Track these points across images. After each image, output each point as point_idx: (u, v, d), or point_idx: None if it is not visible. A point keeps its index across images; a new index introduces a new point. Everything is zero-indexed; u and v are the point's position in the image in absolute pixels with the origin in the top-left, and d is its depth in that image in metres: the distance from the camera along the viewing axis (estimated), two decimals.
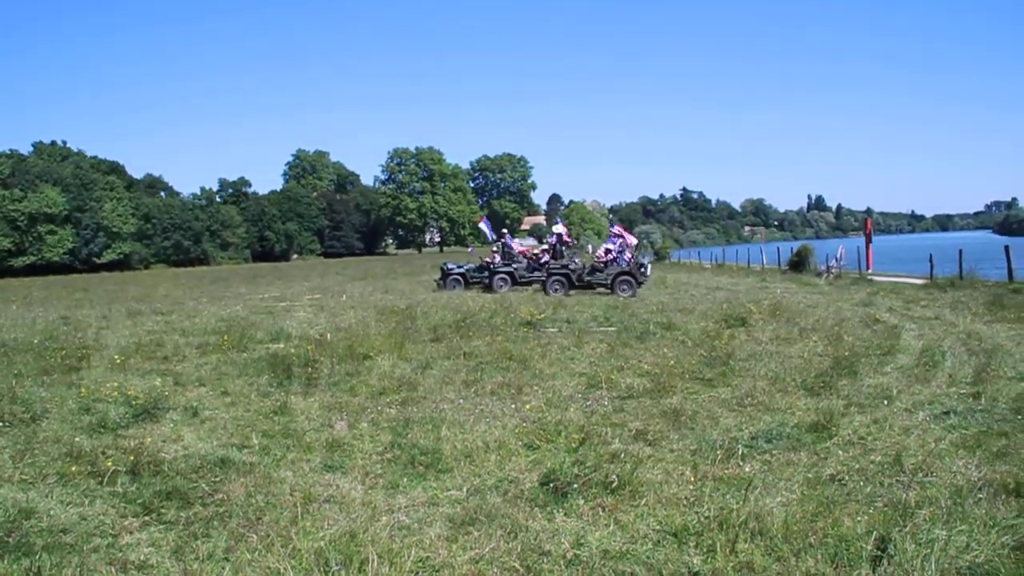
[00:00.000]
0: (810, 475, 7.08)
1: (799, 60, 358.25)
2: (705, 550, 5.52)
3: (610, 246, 30.16)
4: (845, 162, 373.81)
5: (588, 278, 29.64)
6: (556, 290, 28.85)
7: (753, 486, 6.62)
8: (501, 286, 30.74)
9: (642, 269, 29.96)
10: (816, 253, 42.30)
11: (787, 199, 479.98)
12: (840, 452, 7.80)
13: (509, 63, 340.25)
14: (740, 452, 7.76)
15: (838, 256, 37.87)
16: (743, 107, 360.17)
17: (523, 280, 31.31)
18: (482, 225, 39.41)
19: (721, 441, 8.18)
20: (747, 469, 7.26)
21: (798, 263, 41.35)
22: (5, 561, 5.53)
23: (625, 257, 29.70)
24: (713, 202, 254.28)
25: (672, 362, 12.30)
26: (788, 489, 6.67)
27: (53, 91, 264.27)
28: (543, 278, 30.04)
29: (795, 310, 19.61)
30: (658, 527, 6.01)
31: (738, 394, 10.38)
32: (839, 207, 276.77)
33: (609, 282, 29.00)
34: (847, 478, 6.96)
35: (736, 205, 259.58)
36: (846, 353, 12.68)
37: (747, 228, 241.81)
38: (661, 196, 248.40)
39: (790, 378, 11.22)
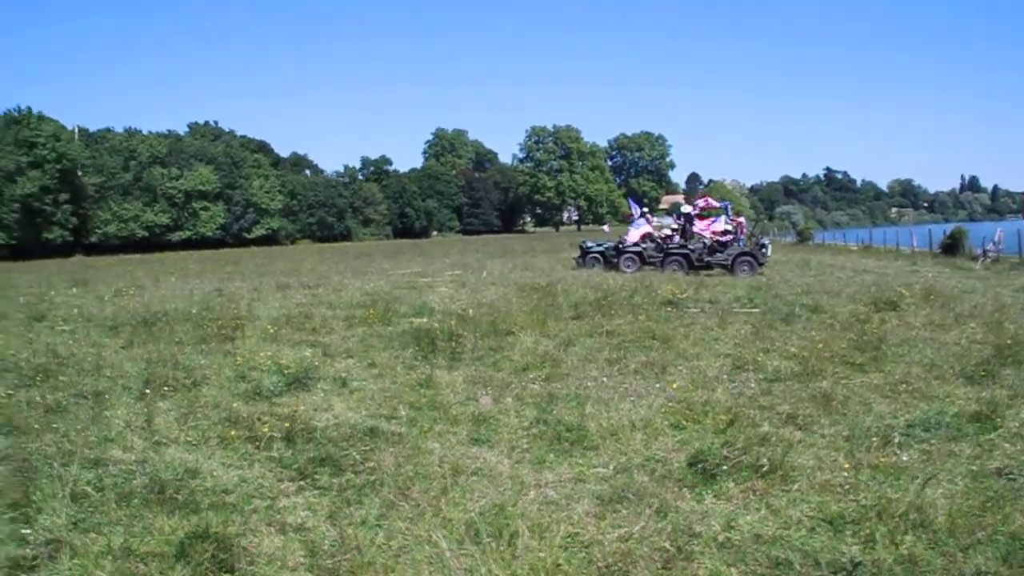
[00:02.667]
0: (974, 467, 6.75)
1: (948, 33, 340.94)
2: (864, 540, 5.35)
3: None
4: (1002, 140, 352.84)
5: (707, 259, 29.15)
6: (673, 270, 28.43)
7: (913, 476, 6.37)
8: (630, 266, 30.37)
9: (762, 250, 29.31)
10: (971, 236, 40.42)
11: (937, 179, 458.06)
12: (1007, 445, 7.37)
13: (648, 40, 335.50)
14: (897, 440, 7.46)
15: (996, 240, 36.07)
16: (890, 83, 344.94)
17: (651, 260, 30.87)
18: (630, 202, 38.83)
19: (875, 428, 7.90)
20: (905, 458, 6.98)
21: (951, 246, 39.57)
22: (176, 516, 5.82)
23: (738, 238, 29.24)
24: (858, 182, 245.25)
25: (820, 345, 11.93)
26: (951, 481, 6.38)
27: (207, 73, 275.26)
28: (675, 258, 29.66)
29: (950, 295, 18.73)
30: (812, 514, 5.85)
31: (891, 380, 9.98)
32: (995, 188, 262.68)
33: (729, 263, 28.47)
34: (1016, 473, 6.60)
35: (883, 185, 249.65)
36: (1008, 341, 11.98)
37: (894, 210, 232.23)
38: (803, 176, 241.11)
39: (947, 365, 10.69)
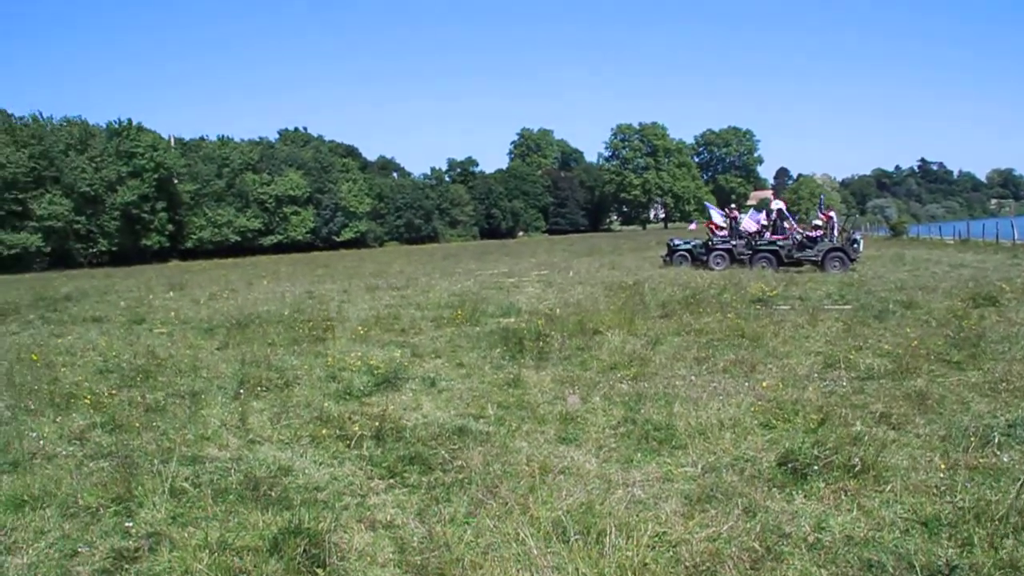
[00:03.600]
0: None
1: None
2: (961, 543, 5.21)
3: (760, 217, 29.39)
4: None
5: (797, 255, 28.65)
6: (763, 267, 28.01)
7: (1014, 478, 6.17)
8: (719, 263, 30.02)
9: (854, 245, 28.69)
10: None
11: None
12: None
13: (735, 33, 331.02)
14: (996, 440, 7.22)
15: None
16: (985, 69, 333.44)
17: (741, 257, 30.41)
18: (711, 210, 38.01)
19: (974, 428, 7.65)
20: (1005, 459, 6.76)
21: None
22: (269, 512, 5.98)
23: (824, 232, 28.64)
24: (955, 173, 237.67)
25: (915, 342, 11.63)
26: None
27: (296, 81, 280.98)
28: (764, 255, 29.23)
29: None
30: (906, 515, 5.73)
31: (991, 378, 9.67)
32: None
33: (819, 259, 27.94)
34: None
35: (981, 176, 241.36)
36: None
37: (994, 201, 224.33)
38: (897, 168, 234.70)
39: None
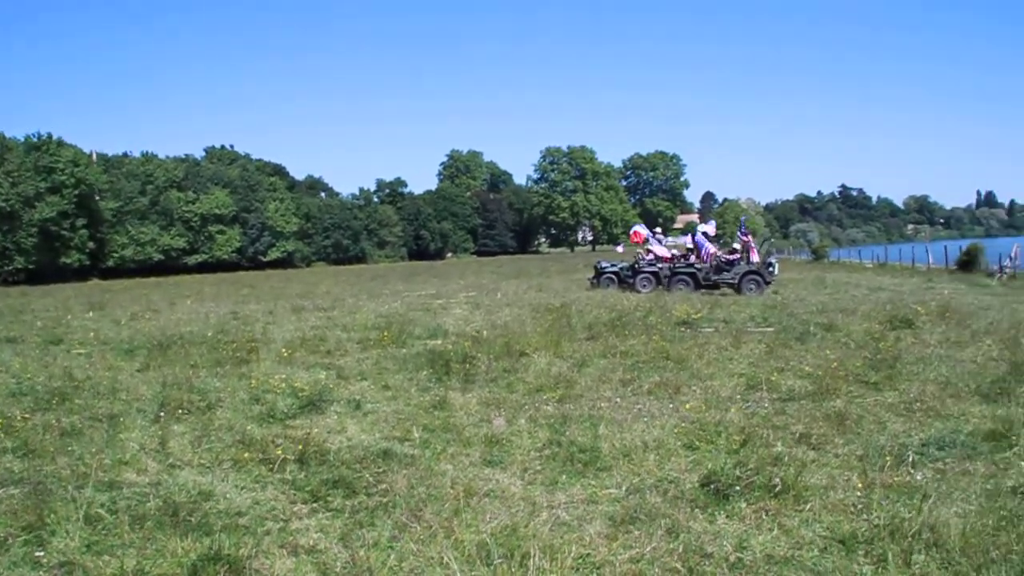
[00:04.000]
0: (989, 486, 6.71)
1: (962, 47, 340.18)
2: (876, 560, 5.34)
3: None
4: (1019, 154, 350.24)
5: (714, 277, 29.13)
6: (680, 289, 28.40)
7: (926, 495, 6.34)
8: (645, 286, 30.30)
9: (769, 268, 29.25)
10: (987, 252, 40.20)
11: (954, 195, 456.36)
12: (1022, 463, 7.35)
13: (662, 60, 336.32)
14: (910, 459, 7.43)
15: (1012, 255, 35.89)
16: (904, 100, 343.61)
17: (663, 280, 30.68)
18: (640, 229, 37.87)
19: (889, 447, 7.88)
20: (919, 477, 6.96)
21: (968, 263, 39.42)
22: (189, 539, 5.85)
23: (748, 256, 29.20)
24: (874, 199, 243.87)
25: (835, 364, 11.89)
26: (965, 500, 6.36)
27: (223, 98, 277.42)
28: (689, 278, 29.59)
29: (966, 312, 18.66)
30: (825, 534, 5.84)
31: (906, 399, 9.95)
32: (1012, 203, 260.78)
33: (736, 281, 28.42)
34: None
35: (898, 202, 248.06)
36: None
37: (910, 226, 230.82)
38: (819, 193, 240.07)
39: (963, 383, 10.65)
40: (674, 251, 32.83)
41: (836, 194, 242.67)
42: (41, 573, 5.51)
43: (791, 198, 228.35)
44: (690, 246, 32.34)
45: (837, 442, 8.21)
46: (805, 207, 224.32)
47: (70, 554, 5.71)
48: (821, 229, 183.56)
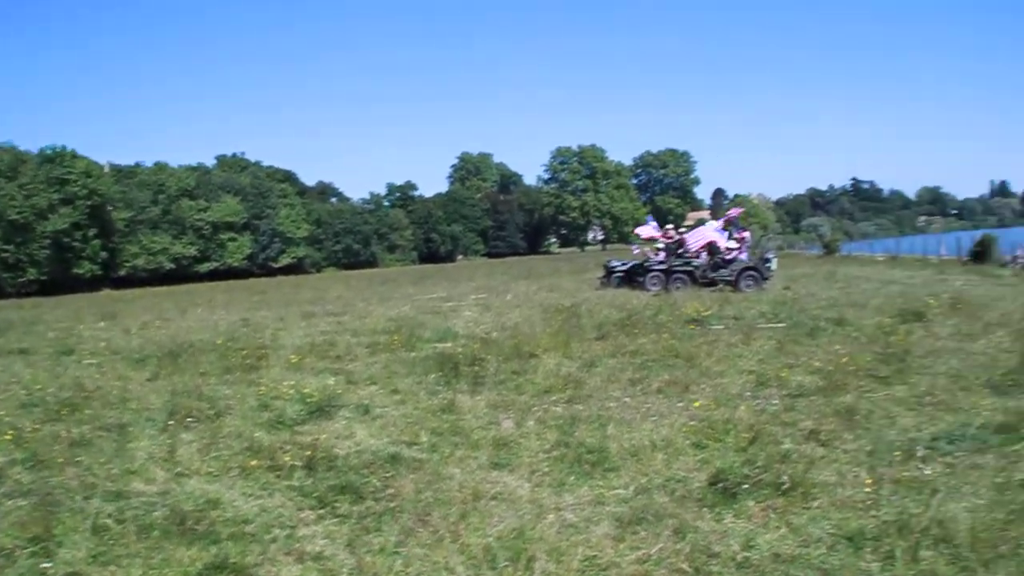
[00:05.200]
0: (999, 480, 6.66)
1: (971, 36, 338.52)
2: (883, 556, 5.31)
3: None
4: None
5: (712, 274, 28.99)
6: (678, 287, 28.27)
7: (935, 490, 6.31)
8: (655, 285, 30.16)
9: (767, 264, 29.12)
10: (1000, 243, 39.98)
11: (967, 186, 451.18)
12: None
13: (671, 57, 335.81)
14: (920, 454, 7.39)
15: None
16: (915, 90, 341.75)
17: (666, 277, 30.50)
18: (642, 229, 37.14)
19: (899, 442, 7.84)
20: (928, 472, 6.91)
21: (980, 254, 39.18)
22: (195, 547, 5.87)
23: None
24: (885, 191, 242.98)
25: (845, 359, 11.84)
26: (974, 494, 6.32)
27: (233, 106, 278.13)
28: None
29: (978, 304, 18.53)
30: (832, 531, 5.82)
31: (916, 392, 9.89)
32: None
33: (733, 278, 28.31)
34: None
35: (911, 194, 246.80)
36: None
37: (922, 218, 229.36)
38: (830, 187, 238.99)
39: (974, 376, 10.58)
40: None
41: (848, 187, 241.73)
42: None
43: (802, 192, 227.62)
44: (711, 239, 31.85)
45: (846, 438, 8.17)
46: (816, 201, 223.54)
47: (76, 565, 5.74)
48: (833, 223, 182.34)
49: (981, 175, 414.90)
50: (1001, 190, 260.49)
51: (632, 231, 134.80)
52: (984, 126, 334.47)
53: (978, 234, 45.57)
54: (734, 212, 33.59)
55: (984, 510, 5.91)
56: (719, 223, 32.43)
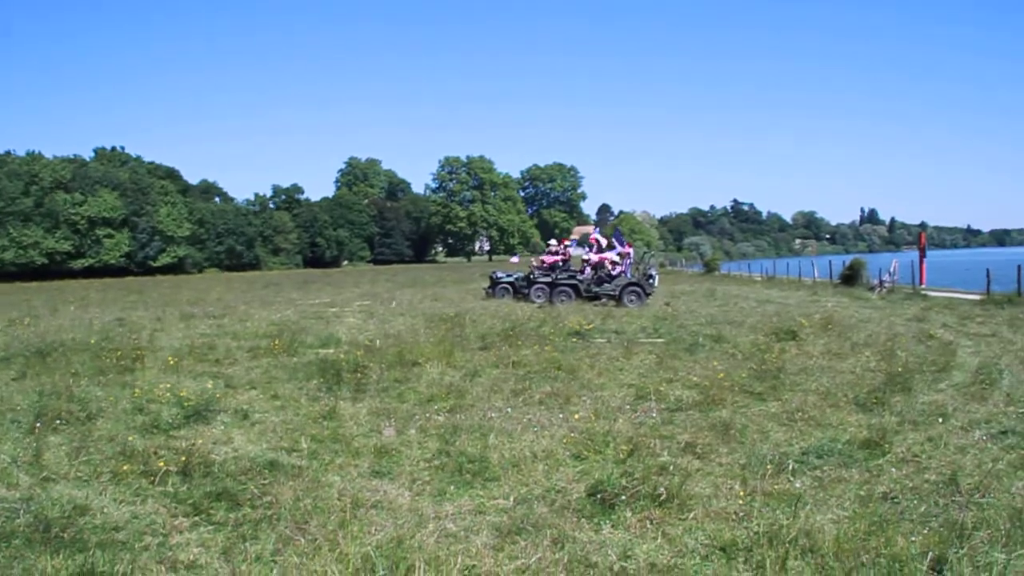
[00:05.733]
0: (862, 492, 6.97)
1: (851, 69, 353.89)
2: (754, 566, 5.46)
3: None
4: (899, 175, 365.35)
5: (596, 289, 29.44)
6: (562, 301, 28.65)
7: (803, 502, 6.54)
8: (539, 297, 30.40)
9: (650, 280, 29.73)
10: (869, 267, 41.60)
11: (839, 212, 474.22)
12: (893, 470, 7.65)
13: (561, 72, 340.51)
14: (790, 467, 7.65)
15: (891, 270, 37.19)
16: (794, 117, 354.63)
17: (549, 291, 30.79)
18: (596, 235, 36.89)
19: (771, 456, 8.09)
20: (797, 485, 7.16)
21: (850, 277, 40.66)
22: (60, 556, 5.63)
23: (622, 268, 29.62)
24: (764, 214, 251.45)
25: (722, 375, 12.17)
26: (840, 506, 6.59)
27: (114, 98, 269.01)
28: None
29: (847, 324, 19.34)
30: (707, 541, 5.96)
31: (788, 408, 10.23)
32: (892, 220, 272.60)
33: (617, 293, 28.80)
34: (901, 497, 6.84)
35: (787, 217, 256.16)
36: (899, 369, 12.45)
37: (798, 241, 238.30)
38: (711, 207, 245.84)
39: (841, 393, 11.05)
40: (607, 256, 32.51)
41: (728, 208, 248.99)
42: None
43: (685, 211, 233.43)
44: (586, 257, 32.37)
45: (721, 451, 8.39)
46: (698, 220, 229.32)
47: None
48: (714, 242, 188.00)
49: (853, 202, 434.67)
50: (870, 217, 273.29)
51: (518, 243, 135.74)
52: (857, 156, 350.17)
53: (849, 258, 47.32)
54: (594, 233, 33.77)
55: (848, 521, 6.16)
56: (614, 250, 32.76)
